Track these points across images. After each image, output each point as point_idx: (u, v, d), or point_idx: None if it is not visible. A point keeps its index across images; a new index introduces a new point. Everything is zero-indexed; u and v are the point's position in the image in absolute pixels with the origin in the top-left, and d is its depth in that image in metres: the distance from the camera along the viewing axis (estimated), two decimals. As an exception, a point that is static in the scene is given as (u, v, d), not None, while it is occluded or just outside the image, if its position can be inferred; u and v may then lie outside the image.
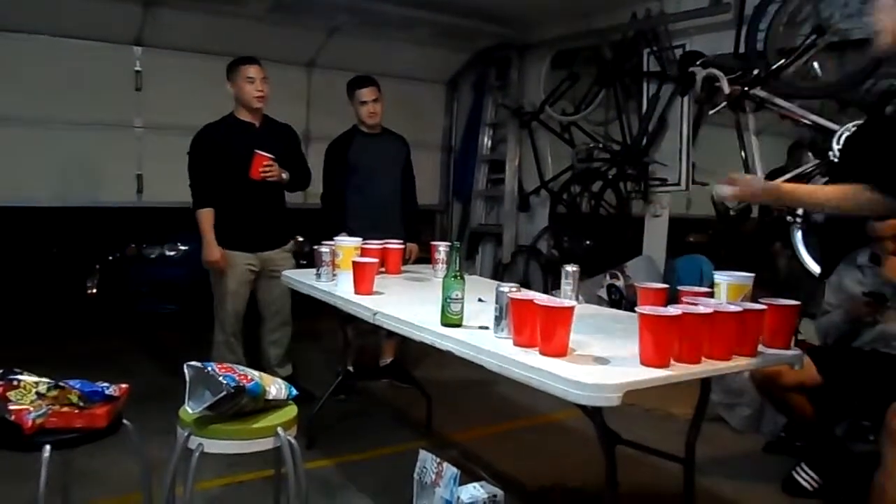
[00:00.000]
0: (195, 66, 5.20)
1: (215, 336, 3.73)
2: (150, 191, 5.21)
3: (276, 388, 2.12)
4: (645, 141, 4.98)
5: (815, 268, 3.85)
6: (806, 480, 2.94)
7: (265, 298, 3.78)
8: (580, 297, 2.55)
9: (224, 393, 1.92)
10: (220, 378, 1.94)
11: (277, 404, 2.13)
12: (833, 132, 3.79)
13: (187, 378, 2.00)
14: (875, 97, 3.49)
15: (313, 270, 3.02)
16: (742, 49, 4.17)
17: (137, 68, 5.07)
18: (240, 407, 2.01)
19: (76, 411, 1.93)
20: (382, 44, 5.64)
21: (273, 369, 3.77)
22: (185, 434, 1.98)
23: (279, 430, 2.01)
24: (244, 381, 1.99)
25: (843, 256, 3.12)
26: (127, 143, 5.12)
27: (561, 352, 1.85)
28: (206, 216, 3.60)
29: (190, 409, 1.98)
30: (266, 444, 2.01)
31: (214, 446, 1.98)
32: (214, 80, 5.32)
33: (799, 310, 2.15)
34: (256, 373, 2.09)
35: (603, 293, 4.81)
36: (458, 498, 2.03)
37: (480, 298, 2.48)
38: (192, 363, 2.01)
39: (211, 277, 3.72)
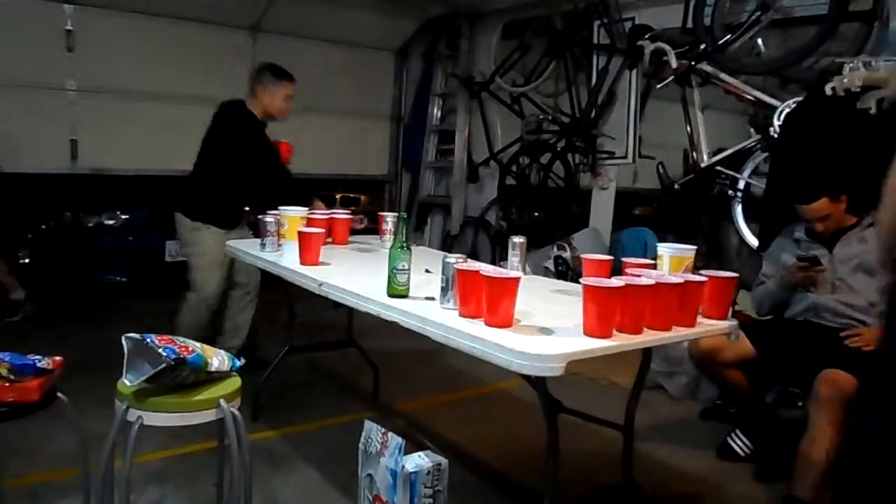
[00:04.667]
0: (132, 27, 5.00)
1: (198, 294, 3.60)
2: (85, 157, 5.01)
3: (218, 359, 2.07)
4: (593, 113, 5.02)
5: (753, 241, 3.97)
6: (739, 446, 3.06)
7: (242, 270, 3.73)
8: (527, 269, 2.57)
9: (164, 365, 1.87)
10: (160, 350, 1.89)
11: (220, 376, 2.09)
12: (774, 108, 3.89)
13: (126, 350, 1.95)
14: (816, 74, 3.58)
15: (258, 241, 2.97)
16: (689, 24, 4.22)
17: (69, 27, 4.82)
18: (181, 379, 1.96)
19: (6, 385, 1.85)
20: (330, 8, 5.51)
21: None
22: (124, 407, 1.93)
23: (222, 401, 1.98)
24: (185, 352, 1.94)
25: (781, 230, 3.22)
26: (59, 106, 4.89)
27: (506, 322, 1.86)
28: None
29: (128, 382, 1.93)
30: (208, 416, 1.97)
31: (154, 419, 1.93)
32: (153, 42, 5.13)
33: (737, 282, 2.21)
34: (198, 344, 2.04)
35: (550, 264, 4.87)
36: (403, 467, 2.04)
37: (427, 269, 2.48)
38: (131, 335, 1.95)
39: (198, 248, 3.62)
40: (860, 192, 2.97)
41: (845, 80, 3.18)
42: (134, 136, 5.13)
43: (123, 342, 1.95)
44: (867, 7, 3.52)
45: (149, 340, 1.92)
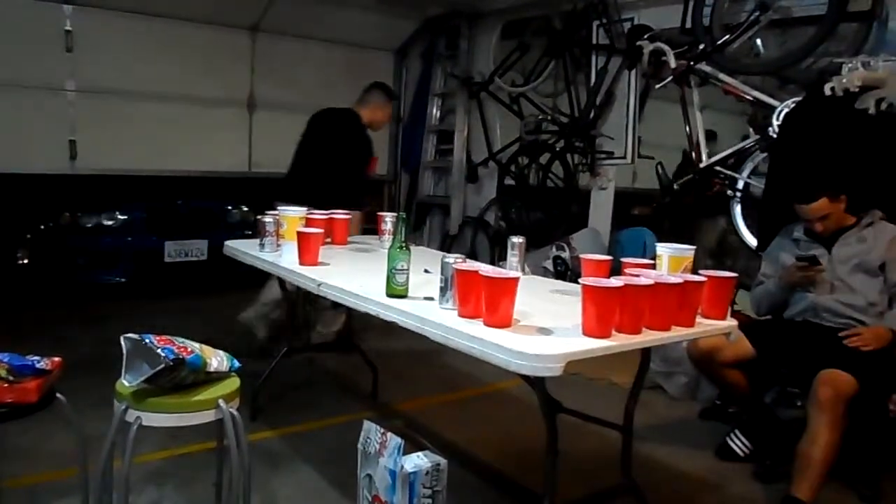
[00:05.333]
0: (131, 27, 4.99)
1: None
2: (84, 158, 5.00)
3: (217, 360, 2.07)
4: (592, 114, 5.02)
5: (752, 241, 3.97)
6: (738, 446, 3.06)
7: None
8: (526, 269, 2.57)
9: (162, 366, 1.87)
10: (159, 350, 1.89)
11: (219, 376, 2.09)
12: (773, 108, 3.89)
13: (124, 350, 1.94)
14: (815, 74, 3.58)
15: (257, 241, 2.97)
16: (689, 24, 4.22)
17: (68, 28, 4.81)
18: (180, 380, 1.96)
19: (5, 385, 1.85)
20: (329, 8, 5.51)
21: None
22: (123, 407, 1.93)
23: (220, 402, 1.98)
24: (184, 353, 1.94)
25: (780, 230, 3.22)
26: (58, 107, 4.88)
27: (505, 322, 1.86)
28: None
29: (127, 383, 1.93)
30: (207, 416, 1.97)
31: (153, 419, 1.93)
32: (152, 42, 5.12)
33: (736, 282, 2.21)
34: (197, 345, 2.04)
35: (549, 264, 4.87)
36: (402, 467, 2.04)
37: (426, 269, 2.48)
38: (130, 335, 1.95)
39: None
40: (859, 192, 2.97)
41: (844, 81, 3.18)
42: (133, 136, 5.13)
43: (122, 342, 1.95)
44: (866, 7, 3.52)
45: (147, 341, 1.92)
